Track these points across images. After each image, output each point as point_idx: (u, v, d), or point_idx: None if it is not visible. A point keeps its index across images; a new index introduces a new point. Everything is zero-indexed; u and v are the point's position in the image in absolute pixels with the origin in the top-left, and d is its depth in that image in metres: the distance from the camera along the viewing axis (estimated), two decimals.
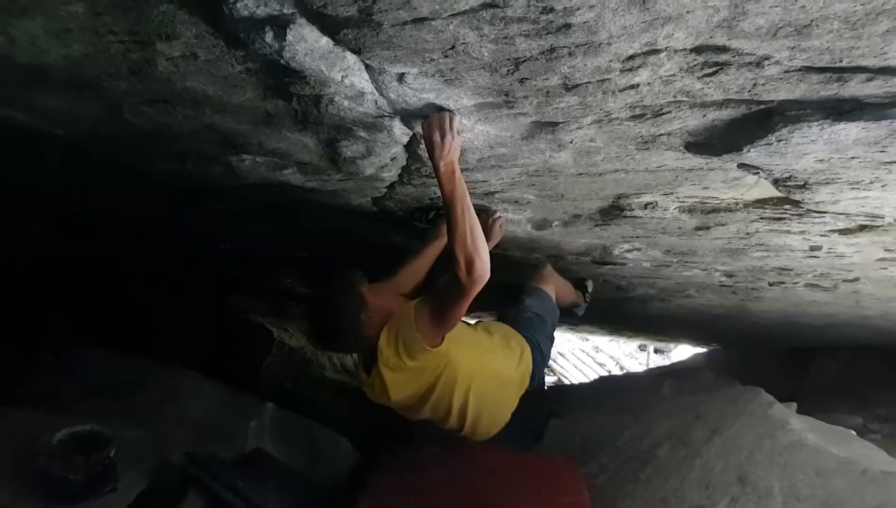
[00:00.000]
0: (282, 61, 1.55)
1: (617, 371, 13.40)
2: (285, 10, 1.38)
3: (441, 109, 1.81)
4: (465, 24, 1.35)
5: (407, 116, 1.92)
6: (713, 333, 6.75)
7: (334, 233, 3.86)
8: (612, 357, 14.11)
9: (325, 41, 1.49)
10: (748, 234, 2.72)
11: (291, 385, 4.65)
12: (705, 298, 4.38)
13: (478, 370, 2.40)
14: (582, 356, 14.04)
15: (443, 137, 1.81)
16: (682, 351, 11.25)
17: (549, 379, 12.50)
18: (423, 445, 3.07)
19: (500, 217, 2.90)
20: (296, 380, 4.91)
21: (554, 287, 3.26)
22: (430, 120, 1.83)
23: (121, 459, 2.30)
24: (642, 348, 13.93)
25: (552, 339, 3.04)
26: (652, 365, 12.85)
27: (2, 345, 3.86)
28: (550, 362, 13.46)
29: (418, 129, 1.96)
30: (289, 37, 1.44)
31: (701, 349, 9.03)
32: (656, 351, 13.74)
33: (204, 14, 1.48)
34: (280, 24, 1.42)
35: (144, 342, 3.69)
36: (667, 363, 11.95)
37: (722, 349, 8.17)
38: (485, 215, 2.78)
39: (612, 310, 5.65)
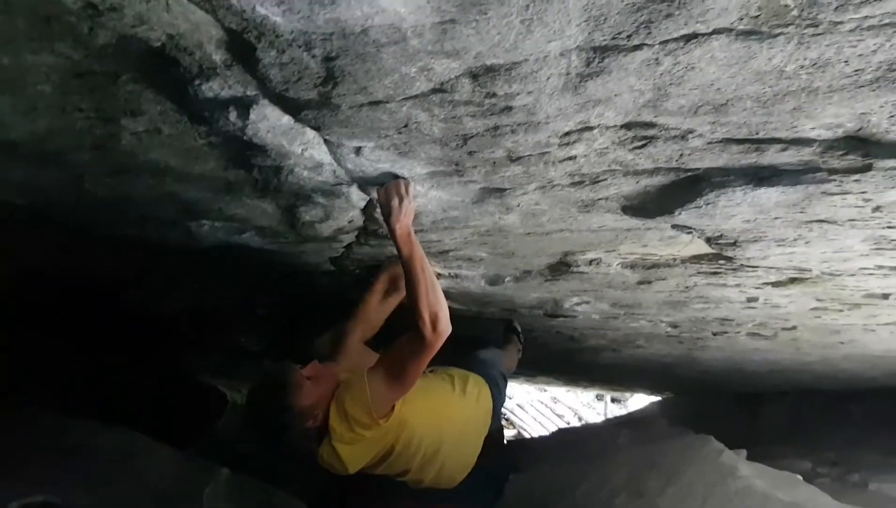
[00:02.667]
0: (244, 137, 1.64)
1: (575, 422, 13.48)
2: (248, 92, 1.49)
3: (396, 176, 1.93)
4: (416, 106, 1.48)
5: (363, 183, 2.03)
6: (665, 381, 6.92)
7: (293, 290, 3.91)
8: (570, 408, 14.19)
9: (286, 119, 1.60)
10: (688, 287, 2.89)
11: (245, 447, 4.58)
12: (654, 348, 4.54)
13: (438, 421, 2.39)
14: (541, 408, 14.07)
15: (399, 202, 1.90)
16: (639, 400, 11.41)
17: (509, 433, 12.48)
18: (388, 502, 3.04)
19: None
20: (249, 442, 4.82)
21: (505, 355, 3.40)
22: (385, 187, 1.94)
23: None
24: (599, 397, 14.06)
25: (506, 380, 3.10)
26: (609, 415, 12.96)
27: None
28: (510, 414, 13.47)
29: (374, 194, 2.07)
30: (252, 116, 1.54)
31: (656, 398, 9.20)
32: (613, 400, 13.89)
33: (169, 93, 1.57)
34: (243, 105, 1.52)
35: (95, 402, 3.63)
36: (623, 412, 12.10)
37: (675, 397, 8.35)
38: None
39: (567, 361, 5.78)
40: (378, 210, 2.16)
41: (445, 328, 2.01)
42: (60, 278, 3.78)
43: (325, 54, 1.27)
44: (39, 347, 4.65)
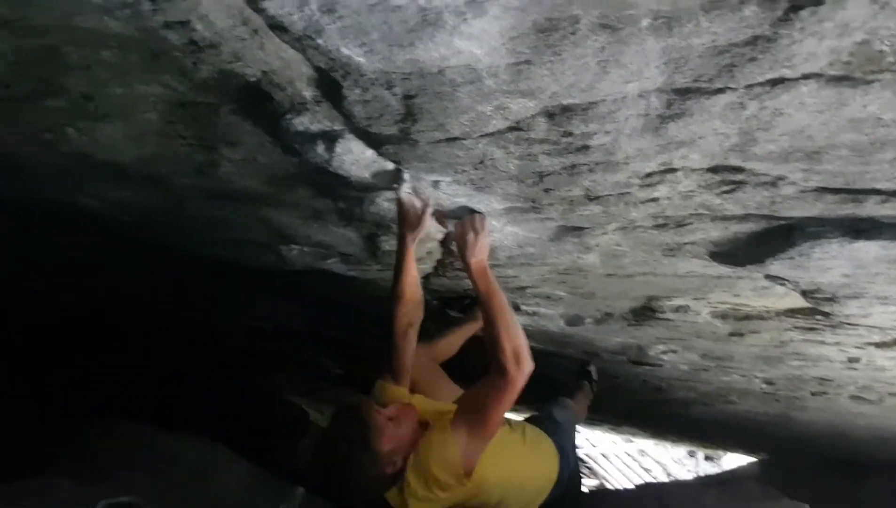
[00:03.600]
0: (330, 169, 1.71)
1: (663, 477, 12.83)
2: (335, 127, 1.56)
3: (472, 210, 1.95)
4: (492, 143, 1.50)
5: (441, 217, 2.06)
6: (759, 441, 6.51)
7: (371, 317, 3.99)
8: (658, 462, 13.54)
9: (369, 153, 1.66)
10: (783, 342, 2.72)
11: (323, 470, 4.65)
12: (748, 404, 4.28)
13: (507, 483, 2.23)
14: (626, 459, 13.51)
15: (475, 236, 1.89)
16: (734, 459, 10.75)
17: (590, 482, 12.05)
18: None
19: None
20: (328, 467, 4.89)
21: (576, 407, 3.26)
22: (461, 221, 1.95)
23: None
24: (691, 454, 13.34)
25: (575, 448, 2.93)
26: (701, 472, 12.26)
27: (48, 415, 4.06)
28: (592, 463, 13.01)
29: (451, 228, 2.10)
30: (337, 149, 1.62)
31: (750, 458, 8.65)
32: (706, 458, 13.13)
33: (264, 125, 1.67)
34: (330, 139, 1.60)
35: (181, 416, 3.80)
36: (716, 470, 11.42)
37: (771, 459, 7.82)
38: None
39: (654, 412, 5.54)
40: (454, 243, 2.19)
41: (528, 363, 1.89)
42: (155, 296, 4.03)
43: (405, 93, 1.31)
44: (133, 361, 4.96)
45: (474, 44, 1.12)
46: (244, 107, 1.60)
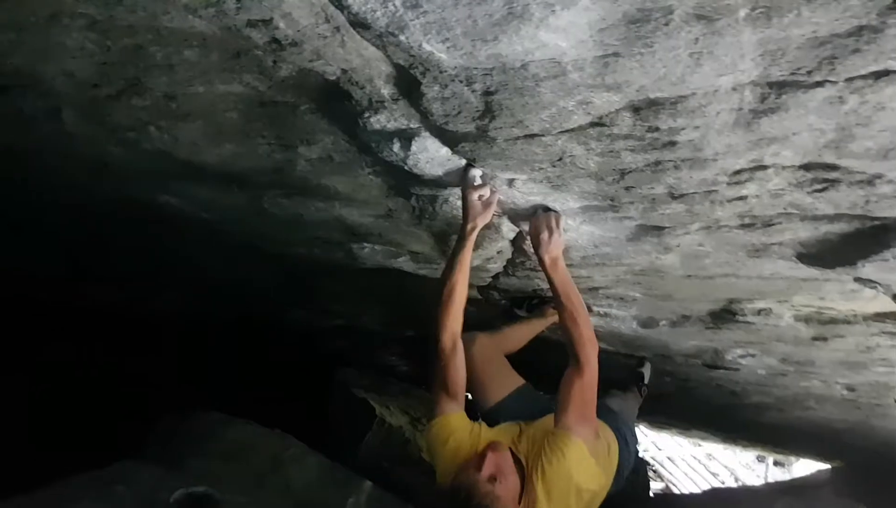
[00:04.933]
0: (405, 167, 1.71)
1: (731, 482, 12.43)
2: (412, 125, 1.55)
3: (547, 209, 1.91)
4: (572, 139, 1.46)
5: (514, 215, 2.03)
6: (836, 448, 6.20)
7: None
8: (726, 467, 13.12)
9: (444, 151, 1.65)
10: (869, 348, 2.58)
11: (388, 465, 4.70)
12: (826, 411, 4.09)
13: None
14: (693, 464, 13.15)
15: (549, 234, 1.90)
16: (805, 465, 10.31)
17: (657, 486, 11.78)
18: None
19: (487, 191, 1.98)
20: (393, 460, 4.95)
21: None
22: (536, 218, 1.93)
23: None
24: (760, 459, 12.87)
25: (636, 438, 2.81)
26: (770, 478, 11.82)
27: (133, 406, 4.25)
28: (659, 467, 12.71)
29: (524, 226, 2.07)
30: (413, 147, 1.61)
31: (824, 465, 8.27)
32: (776, 463, 12.64)
33: (341, 124, 1.68)
34: (406, 137, 1.59)
35: (255, 406, 3.89)
36: (786, 477, 10.97)
37: (847, 467, 7.45)
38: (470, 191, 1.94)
39: (726, 417, 5.36)
40: (527, 241, 2.16)
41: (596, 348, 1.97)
42: (232, 294, 4.14)
43: (485, 89, 1.29)
44: (210, 354, 5.13)
45: (561, 36, 1.09)
46: (322, 106, 1.61)
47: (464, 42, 1.13)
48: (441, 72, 1.26)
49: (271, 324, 5.20)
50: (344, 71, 1.39)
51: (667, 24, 1.06)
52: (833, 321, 2.44)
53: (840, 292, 2.16)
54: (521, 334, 2.80)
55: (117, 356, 4.90)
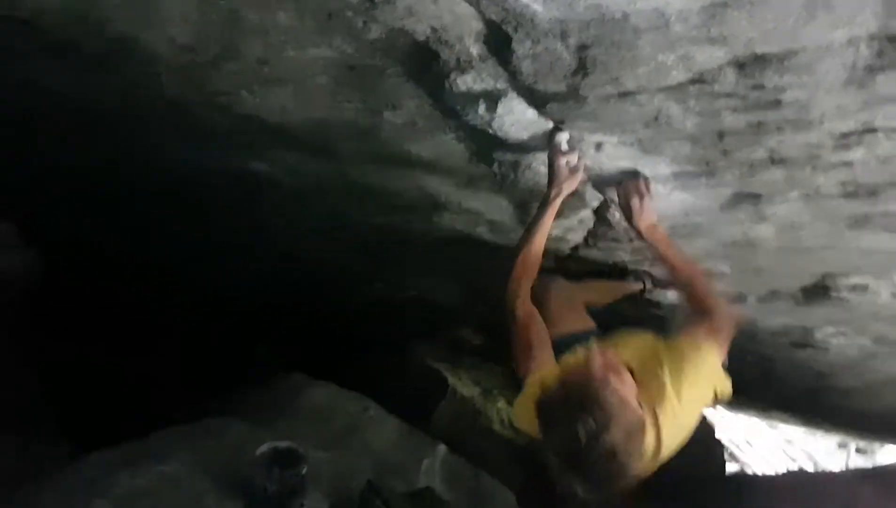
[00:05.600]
0: (490, 131, 1.69)
1: (810, 468, 11.98)
2: (498, 86, 1.53)
3: (636, 174, 1.85)
4: (670, 97, 1.40)
5: (599, 182, 1.98)
6: None
7: None
8: (805, 452, 12.65)
9: (531, 113, 1.62)
10: None
11: (460, 433, 4.76)
12: None
13: None
14: (771, 447, 12.74)
15: (640, 200, 1.82)
16: (890, 452, 9.82)
17: (732, 466, 11.47)
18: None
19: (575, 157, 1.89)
20: (464, 429, 5.01)
21: None
22: (624, 185, 1.86)
23: (310, 478, 2.51)
24: (842, 445, 12.33)
25: None
26: (852, 465, 11.32)
27: (225, 368, 4.45)
28: (735, 449, 12.37)
29: (612, 194, 2.01)
30: (499, 109, 1.58)
31: None
32: (858, 451, 12.08)
33: (426, 88, 1.67)
34: (492, 98, 1.57)
35: (337, 371, 4.00)
36: (869, 465, 10.48)
37: None
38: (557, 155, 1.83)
39: (811, 400, 5.13)
40: (613, 210, 2.10)
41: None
42: (315, 267, 4.24)
43: (580, 43, 1.25)
44: (297, 322, 5.31)
45: None
46: (409, 69, 1.60)
47: None
48: (535, 26, 1.23)
49: (349, 296, 5.32)
50: (434, 29, 1.38)
51: None
52: None
53: None
54: (604, 288, 2.73)
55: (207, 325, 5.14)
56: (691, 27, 1.14)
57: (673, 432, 1.54)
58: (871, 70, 1.22)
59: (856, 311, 2.64)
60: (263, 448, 2.52)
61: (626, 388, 1.42)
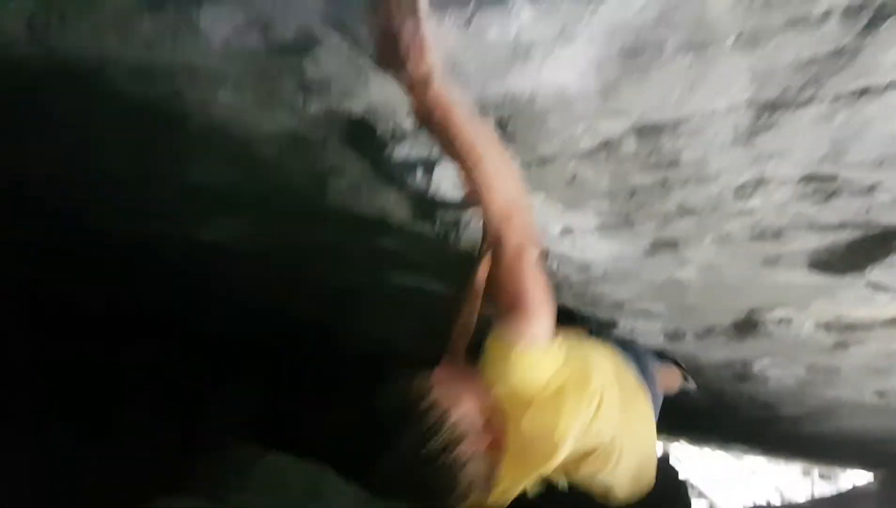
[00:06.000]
0: (428, 194, 1.83)
1: (776, 500, 12.16)
2: (433, 153, 1.67)
3: None
4: (583, 162, 1.56)
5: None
6: (877, 457, 6.10)
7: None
8: (770, 482, 12.86)
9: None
10: (890, 353, 2.60)
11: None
12: (861, 418, 4.05)
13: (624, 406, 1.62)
14: (735, 480, 12.91)
15: (406, 28, 0.99)
16: (851, 476, 10.06)
17: (700, 504, 11.57)
18: None
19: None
20: None
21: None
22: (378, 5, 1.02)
23: None
24: (806, 473, 12.58)
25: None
26: (817, 493, 11.54)
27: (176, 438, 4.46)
28: (700, 484, 12.49)
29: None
30: (436, 174, 1.73)
31: (870, 475, 8.09)
32: (821, 476, 12.34)
33: (368, 155, 1.80)
34: (429, 164, 1.72)
35: (292, 440, 4.01)
36: (832, 490, 10.72)
37: (892, 475, 7.29)
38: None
39: (763, 430, 5.32)
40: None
41: (530, 213, 1.31)
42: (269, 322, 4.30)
43: (498, 119, 1.41)
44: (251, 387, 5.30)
45: (563, 72, 1.20)
46: (350, 139, 1.74)
47: (475, 78, 1.25)
48: None
49: (307, 355, 5.36)
50: (369, 106, 1.52)
51: (660, 55, 1.16)
52: (852, 328, 2.47)
53: (856, 299, 2.20)
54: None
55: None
56: (590, 104, 1.30)
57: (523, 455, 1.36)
58: (753, 132, 1.39)
59: (784, 342, 2.81)
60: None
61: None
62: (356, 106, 1.53)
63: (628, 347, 2.10)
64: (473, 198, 1.19)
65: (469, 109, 1.13)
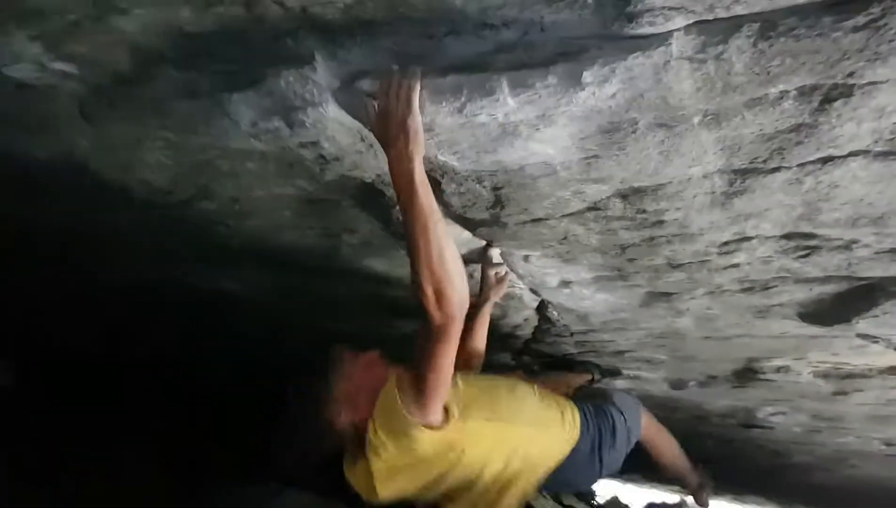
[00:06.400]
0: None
1: None
2: None
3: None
4: (573, 221, 1.69)
5: (534, 287, 2.24)
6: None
7: None
8: None
9: (466, 234, 1.90)
10: (890, 400, 2.66)
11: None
12: (871, 468, 4.06)
13: (510, 448, 1.78)
14: None
15: (398, 116, 1.23)
16: None
17: None
18: None
19: (503, 269, 2.15)
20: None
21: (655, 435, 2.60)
22: (381, 85, 1.25)
23: None
24: None
25: (624, 419, 2.23)
26: None
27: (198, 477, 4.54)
28: None
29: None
30: None
31: None
32: None
33: (377, 215, 1.95)
34: None
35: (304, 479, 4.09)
36: None
37: None
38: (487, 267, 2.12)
39: (775, 479, 5.29)
40: (551, 309, 2.35)
41: (456, 303, 1.36)
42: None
43: (493, 185, 1.54)
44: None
45: (547, 146, 1.34)
46: (361, 202, 1.88)
47: (470, 153, 1.39)
48: (456, 174, 1.52)
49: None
50: (377, 175, 1.66)
51: (634, 132, 1.30)
52: (850, 376, 2.54)
53: (850, 348, 2.29)
54: (556, 383, 2.60)
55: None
56: (574, 173, 1.43)
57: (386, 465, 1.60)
58: (728, 195, 1.51)
59: (784, 390, 2.89)
60: None
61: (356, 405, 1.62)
62: (366, 175, 1.67)
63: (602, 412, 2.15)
64: (414, 266, 1.36)
65: (434, 204, 1.30)
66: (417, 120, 1.23)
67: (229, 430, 5.37)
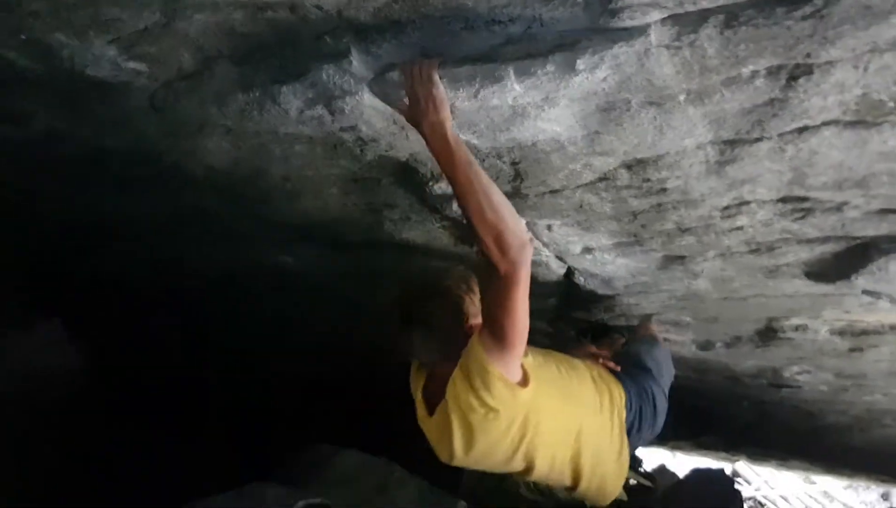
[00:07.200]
0: (464, 222, 2.18)
1: None
2: None
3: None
4: (587, 191, 1.89)
5: (559, 254, 2.45)
6: None
7: None
8: (845, 506, 12.38)
9: None
10: None
11: (484, 495, 5.04)
12: None
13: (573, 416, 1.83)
14: (809, 502, 12.48)
15: (425, 91, 1.40)
16: None
17: None
18: None
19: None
20: (490, 491, 5.28)
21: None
22: (402, 69, 1.45)
23: None
24: (885, 496, 12.07)
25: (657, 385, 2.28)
26: None
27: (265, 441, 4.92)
28: (770, 505, 12.14)
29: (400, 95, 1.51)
30: None
31: None
32: None
33: (414, 191, 2.18)
34: None
35: (363, 438, 4.40)
36: None
37: None
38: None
39: (814, 442, 5.36)
40: (578, 275, 2.54)
41: (519, 246, 1.41)
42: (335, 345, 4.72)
43: (511, 160, 1.76)
44: (329, 396, 5.73)
45: (554, 124, 1.55)
46: (399, 179, 2.12)
47: (487, 132, 1.61)
48: (478, 151, 1.74)
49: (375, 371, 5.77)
50: (411, 154, 1.90)
51: (628, 110, 1.50)
52: (865, 333, 2.67)
53: (860, 305, 2.42)
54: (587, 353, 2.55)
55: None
56: (581, 147, 1.64)
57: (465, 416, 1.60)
58: (721, 163, 1.69)
59: (805, 349, 3.02)
60: (300, 504, 2.91)
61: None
62: (400, 155, 1.91)
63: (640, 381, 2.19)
64: (468, 223, 1.44)
65: (472, 158, 1.43)
66: (441, 91, 1.40)
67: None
